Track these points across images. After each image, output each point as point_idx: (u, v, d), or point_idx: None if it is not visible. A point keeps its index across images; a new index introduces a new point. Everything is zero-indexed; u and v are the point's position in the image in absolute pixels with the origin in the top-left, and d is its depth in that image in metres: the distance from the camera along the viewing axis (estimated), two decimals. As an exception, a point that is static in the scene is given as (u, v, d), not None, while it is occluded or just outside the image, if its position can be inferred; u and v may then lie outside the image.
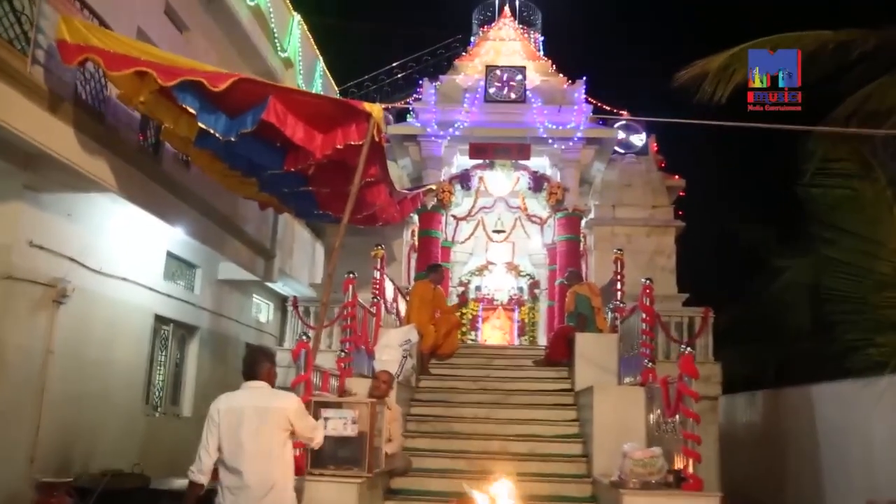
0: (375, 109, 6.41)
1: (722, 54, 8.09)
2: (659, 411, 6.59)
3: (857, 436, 9.29)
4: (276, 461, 4.21)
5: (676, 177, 14.30)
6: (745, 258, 15.78)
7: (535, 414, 8.55)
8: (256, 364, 4.43)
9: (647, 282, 7.50)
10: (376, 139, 6.58)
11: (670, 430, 6.12)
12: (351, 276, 8.00)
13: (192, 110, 6.64)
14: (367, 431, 5.61)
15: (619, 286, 9.13)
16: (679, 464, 5.78)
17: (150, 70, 6.36)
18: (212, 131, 6.80)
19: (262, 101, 6.52)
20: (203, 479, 4.17)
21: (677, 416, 5.77)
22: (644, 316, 7.41)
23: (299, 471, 5.35)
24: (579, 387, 8.65)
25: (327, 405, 5.68)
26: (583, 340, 8.97)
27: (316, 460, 5.58)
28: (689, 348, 5.64)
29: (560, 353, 9.58)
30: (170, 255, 10.80)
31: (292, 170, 7.56)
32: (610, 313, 9.58)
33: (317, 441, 4.63)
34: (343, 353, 7.55)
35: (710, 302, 11.08)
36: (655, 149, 14.38)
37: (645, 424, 6.88)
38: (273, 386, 4.52)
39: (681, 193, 14.33)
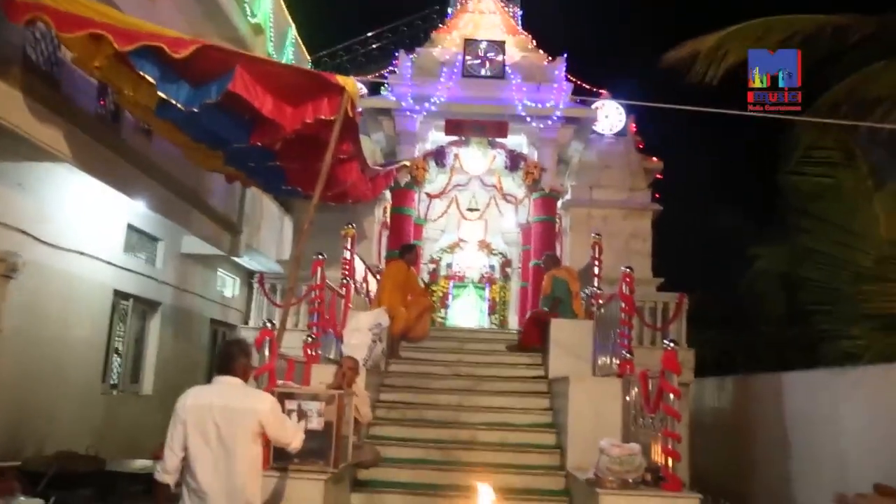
0: (349, 83, 6.03)
1: (713, 35, 7.82)
2: (636, 404, 6.41)
3: (827, 426, 9.25)
4: (241, 465, 3.91)
5: (654, 159, 14.09)
6: (720, 243, 15.74)
7: (508, 402, 8.34)
8: (231, 359, 4.11)
9: (628, 270, 7.28)
10: (350, 115, 6.21)
11: (648, 424, 5.93)
12: (320, 257, 7.64)
13: (151, 79, 6.20)
14: (334, 423, 5.33)
15: (596, 271, 8.90)
16: (656, 459, 5.60)
17: (105, 33, 5.89)
18: (173, 101, 6.37)
19: (227, 71, 6.11)
20: (169, 478, 3.90)
21: (657, 413, 5.58)
22: (623, 305, 7.20)
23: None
24: (553, 374, 8.45)
25: (292, 396, 5.38)
26: (558, 326, 8.75)
27: (279, 454, 5.27)
28: (672, 343, 5.42)
29: (534, 339, 9.37)
30: (130, 227, 10.39)
31: (259, 144, 7.16)
32: (586, 299, 9.37)
33: (294, 446, 4.32)
34: (310, 339, 7.23)
35: (683, 285, 11.00)
36: (634, 130, 14.15)
37: (621, 417, 6.71)
38: (247, 381, 4.21)
39: (658, 176, 14.13)
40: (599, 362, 8.14)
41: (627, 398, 6.73)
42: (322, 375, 6.63)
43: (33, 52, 7.18)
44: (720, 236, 15.44)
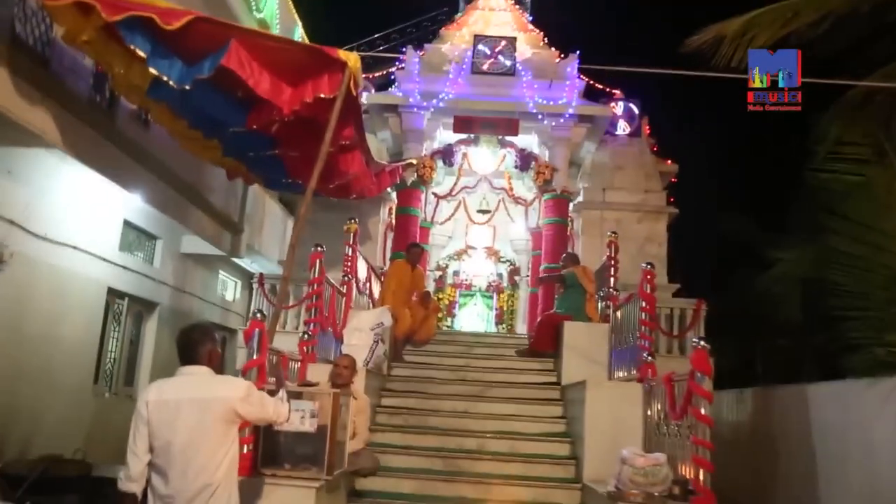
0: (352, 58, 5.59)
1: (738, 19, 7.37)
2: (658, 411, 5.91)
3: (859, 440, 8.66)
4: (217, 464, 3.45)
5: (669, 161, 13.66)
6: (736, 248, 15.19)
7: (519, 409, 7.84)
8: (195, 345, 3.63)
9: (649, 266, 6.80)
10: (352, 93, 5.77)
11: (673, 433, 5.44)
12: (318, 249, 7.20)
13: (142, 53, 5.79)
14: (329, 426, 4.86)
15: (612, 272, 8.43)
16: (684, 471, 5.10)
17: (92, 1, 5.49)
18: (165, 79, 5.96)
19: (222, 46, 5.70)
20: (135, 486, 3.43)
21: (684, 419, 5.09)
22: (644, 304, 6.71)
23: (246, 470, 4.60)
24: (566, 380, 7.96)
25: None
26: (572, 330, 8.26)
27: (268, 458, 4.82)
28: (701, 341, 4.95)
29: (546, 343, 8.87)
30: (127, 224, 10.05)
31: (256, 128, 6.74)
32: (601, 302, 8.89)
33: (282, 418, 3.91)
34: (306, 336, 6.76)
35: (699, 291, 10.54)
36: (648, 131, 13.73)
37: (642, 425, 6.20)
38: (217, 370, 3.72)
39: (672, 180, 13.70)
40: (616, 367, 7.64)
41: (649, 410, 6.22)
42: (319, 376, 6.17)
43: (23, 29, 6.80)
44: (737, 241, 14.90)
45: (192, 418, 3.42)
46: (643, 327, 6.71)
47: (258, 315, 5.06)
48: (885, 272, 8.42)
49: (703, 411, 4.79)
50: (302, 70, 5.84)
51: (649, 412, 6.19)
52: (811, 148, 8.88)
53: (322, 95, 5.67)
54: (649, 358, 6.49)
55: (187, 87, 5.92)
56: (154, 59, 5.85)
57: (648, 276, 6.75)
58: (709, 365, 4.78)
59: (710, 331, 10.55)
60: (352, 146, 7.28)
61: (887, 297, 8.22)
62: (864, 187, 8.75)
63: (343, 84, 5.56)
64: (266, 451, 4.83)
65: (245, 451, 4.69)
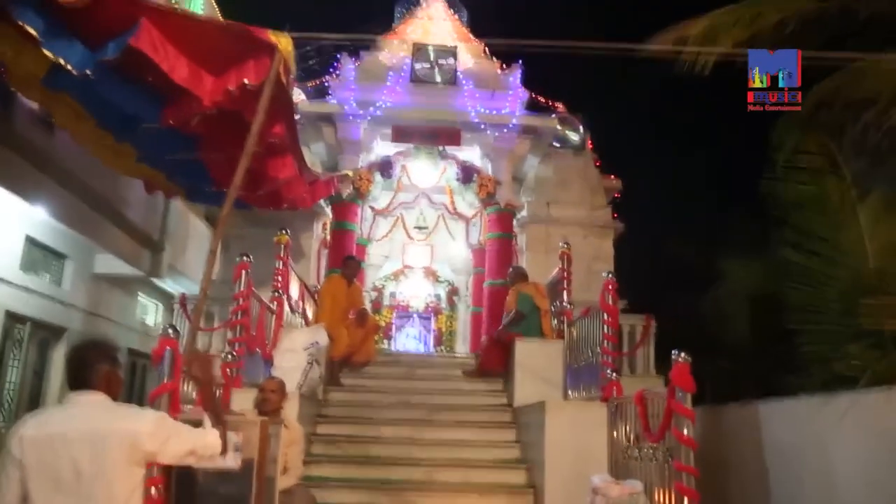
0: (283, 40, 4.91)
1: (700, 19, 7.01)
2: (626, 433, 5.38)
3: (814, 460, 8.35)
4: None
5: (612, 177, 13.42)
6: (683, 264, 15.04)
7: (469, 435, 7.25)
8: (89, 365, 2.86)
9: (610, 276, 6.33)
10: (282, 81, 5.10)
11: (647, 457, 4.90)
12: (244, 259, 6.45)
13: (34, 32, 4.98)
14: (255, 460, 4.11)
15: (565, 286, 7.94)
16: (662, 501, 4.57)
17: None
18: (63, 63, 5.16)
19: (131, 25, 4.96)
20: None
21: (661, 442, 4.57)
22: (606, 317, 6.21)
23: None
24: (519, 402, 7.39)
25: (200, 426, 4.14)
26: (523, 348, 7.71)
27: (185, 499, 4.03)
28: (683, 354, 4.46)
29: (495, 363, 8.30)
30: (30, 240, 9.04)
31: (174, 126, 5.98)
32: (554, 318, 8.38)
33: (212, 450, 3.08)
34: (230, 357, 5.98)
35: (645, 310, 10.22)
36: (591, 146, 13.48)
37: (607, 449, 5.66)
38: (117, 397, 2.96)
39: (616, 195, 13.45)
40: (572, 387, 7.11)
41: (616, 433, 5.69)
42: (244, 403, 5.42)
43: None
44: (684, 256, 14.75)
45: (85, 458, 2.66)
46: (606, 342, 6.20)
47: (169, 331, 4.29)
48: (839, 285, 8.21)
49: (685, 432, 4.26)
50: (225, 54, 5.13)
51: (615, 434, 5.66)
52: (762, 158, 8.67)
53: (247, 83, 4.97)
54: (614, 375, 5.98)
55: (90, 73, 5.13)
56: (50, 40, 5.03)
57: (610, 287, 6.26)
58: (690, 380, 4.27)
59: (658, 348, 10.24)
60: (283, 147, 6.57)
61: (841, 309, 8.00)
62: (817, 199, 8.57)
63: (272, 69, 4.88)
64: (180, 493, 4.04)
65: (153, 494, 3.91)
